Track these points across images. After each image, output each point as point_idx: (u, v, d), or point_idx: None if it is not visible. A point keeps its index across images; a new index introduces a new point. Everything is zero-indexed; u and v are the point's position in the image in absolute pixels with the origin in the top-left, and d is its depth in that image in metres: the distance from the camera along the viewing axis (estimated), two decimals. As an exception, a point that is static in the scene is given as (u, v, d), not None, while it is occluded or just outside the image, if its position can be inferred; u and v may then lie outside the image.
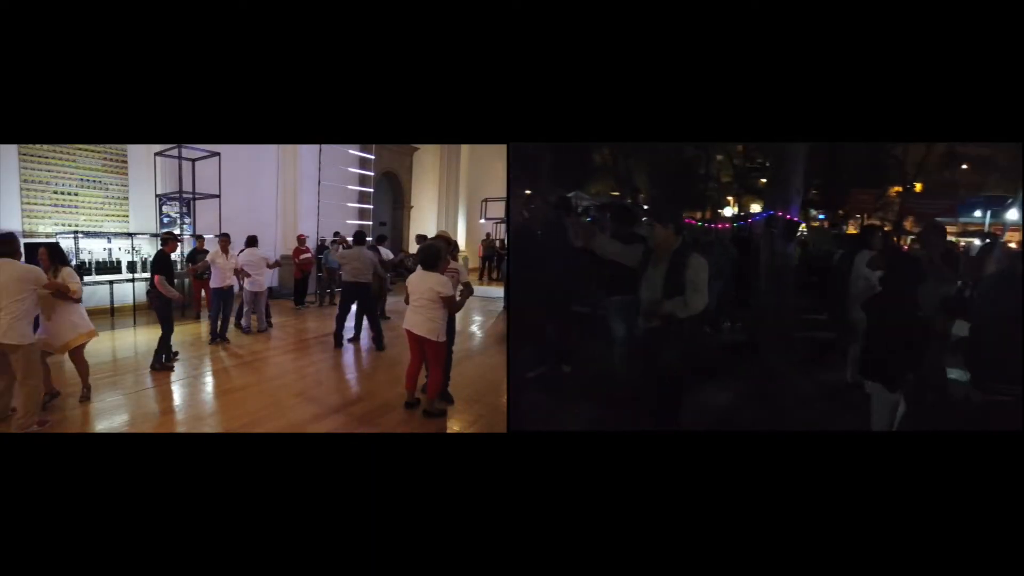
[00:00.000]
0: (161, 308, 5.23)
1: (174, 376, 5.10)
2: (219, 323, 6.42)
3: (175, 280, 5.87)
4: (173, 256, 5.65)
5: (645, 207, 6.54)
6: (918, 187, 11.68)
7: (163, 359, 5.30)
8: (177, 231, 8.57)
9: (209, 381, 5.08)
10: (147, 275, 8.00)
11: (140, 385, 4.76)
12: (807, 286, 5.24)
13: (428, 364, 4.02)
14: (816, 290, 5.15)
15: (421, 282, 3.88)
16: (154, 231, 8.50)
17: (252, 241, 6.94)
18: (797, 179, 4.44)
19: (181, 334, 6.57)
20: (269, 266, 7.03)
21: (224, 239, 6.49)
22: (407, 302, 4.03)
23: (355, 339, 6.59)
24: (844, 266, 4.38)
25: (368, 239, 7.32)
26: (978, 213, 10.13)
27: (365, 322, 6.57)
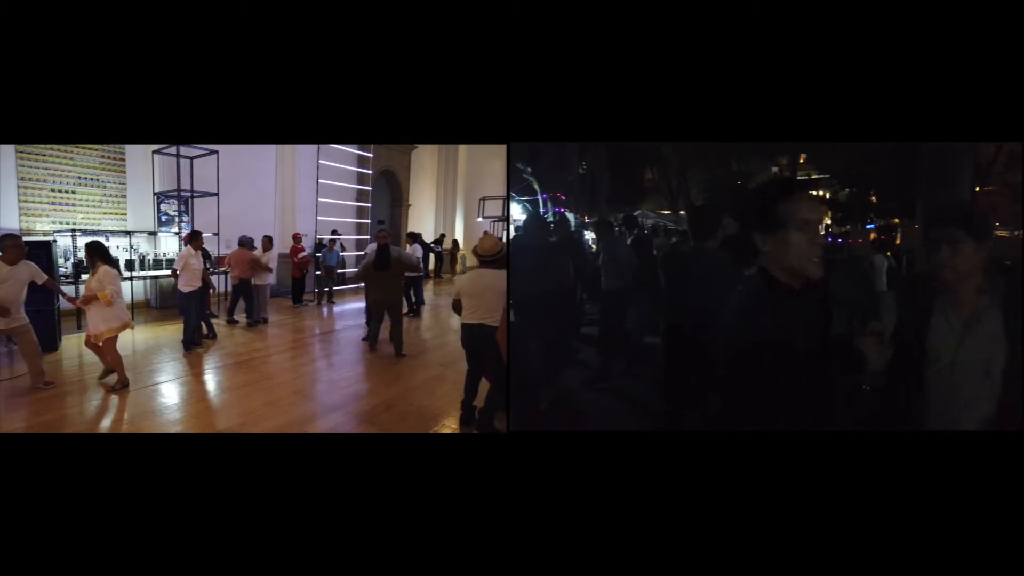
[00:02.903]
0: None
1: (171, 375, 5.09)
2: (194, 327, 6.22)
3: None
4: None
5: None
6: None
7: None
8: (176, 229, 8.57)
9: (206, 380, 5.08)
10: (145, 273, 8.06)
11: (138, 384, 4.75)
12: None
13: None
14: None
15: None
16: (152, 229, 8.49)
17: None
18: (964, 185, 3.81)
19: (175, 333, 6.58)
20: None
21: (196, 239, 6.26)
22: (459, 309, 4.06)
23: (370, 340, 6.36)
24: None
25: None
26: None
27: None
